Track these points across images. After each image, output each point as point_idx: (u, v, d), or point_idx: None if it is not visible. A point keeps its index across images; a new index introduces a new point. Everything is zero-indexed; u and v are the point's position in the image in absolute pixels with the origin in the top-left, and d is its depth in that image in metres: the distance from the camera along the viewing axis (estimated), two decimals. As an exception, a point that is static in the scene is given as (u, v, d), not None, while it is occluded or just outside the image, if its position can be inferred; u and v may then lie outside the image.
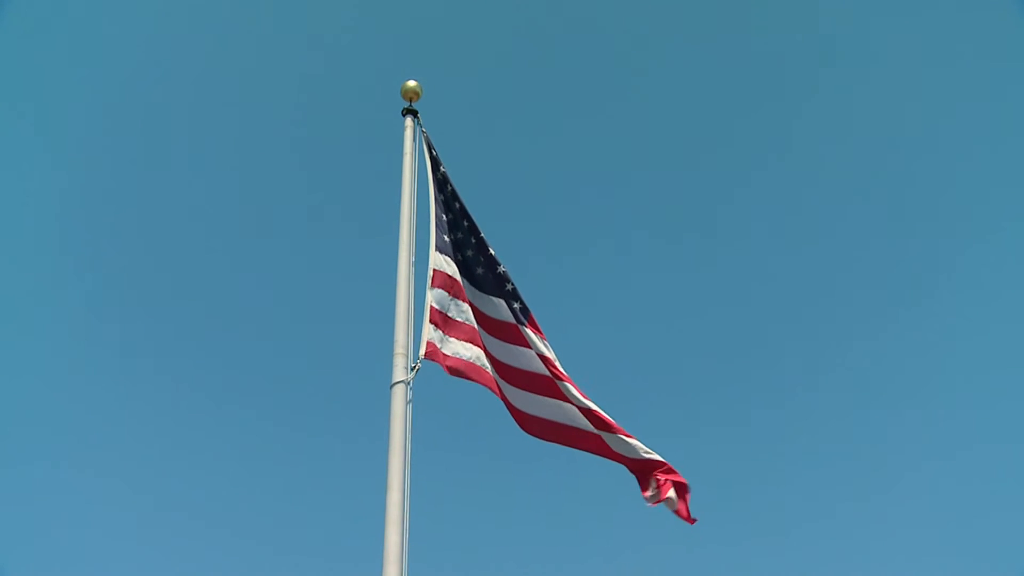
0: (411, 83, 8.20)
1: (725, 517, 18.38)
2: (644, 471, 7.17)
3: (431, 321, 6.77)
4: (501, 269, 7.57)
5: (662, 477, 7.01)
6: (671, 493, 6.99)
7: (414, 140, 7.91)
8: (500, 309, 7.45)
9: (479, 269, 7.55)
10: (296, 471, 19.45)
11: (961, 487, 17.81)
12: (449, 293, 7.10)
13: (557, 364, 7.31)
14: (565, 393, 7.23)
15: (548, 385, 7.27)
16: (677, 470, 7.09)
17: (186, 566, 16.61)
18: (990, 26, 19.65)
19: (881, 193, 22.09)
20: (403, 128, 8.00)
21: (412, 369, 6.47)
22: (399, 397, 6.33)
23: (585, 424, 7.24)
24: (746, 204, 23.24)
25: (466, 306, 7.21)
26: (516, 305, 7.46)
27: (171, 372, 20.10)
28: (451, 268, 7.24)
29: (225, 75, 22.29)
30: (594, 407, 7.19)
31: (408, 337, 6.64)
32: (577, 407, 7.24)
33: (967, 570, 16.41)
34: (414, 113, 8.11)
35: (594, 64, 23.89)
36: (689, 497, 7.07)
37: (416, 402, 6.41)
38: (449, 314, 7.02)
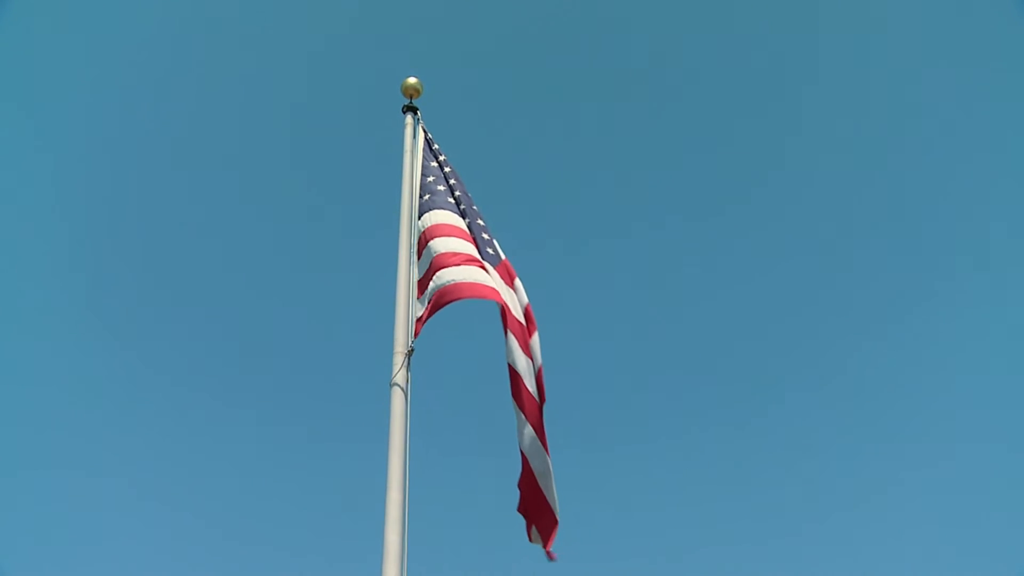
0: (411, 80, 8.17)
1: (725, 518, 18.40)
2: (524, 492, 6.74)
3: (419, 296, 6.65)
4: (481, 221, 7.39)
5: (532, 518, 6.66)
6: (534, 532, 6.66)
7: (414, 137, 7.91)
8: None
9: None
10: (296, 471, 19.44)
11: (961, 487, 17.81)
12: (430, 238, 6.90)
13: (517, 314, 6.91)
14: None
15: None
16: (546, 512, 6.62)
17: (185, 566, 16.59)
18: (990, 26, 19.68)
19: (881, 194, 22.11)
20: (403, 125, 8.00)
21: (407, 354, 6.41)
22: (399, 396, 6.31)
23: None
24: (747, 204, 23.25)
25: (457, 240, 6.96)
26: (490, 251, 7.20)
27: (170, 372, 20.08)
28: (440, 216, 7.08)
29: (224, 73, 22.30)
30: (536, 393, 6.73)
31: (407, 336, 6.61)
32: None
33: (967, 570, 16.41)
34: (414, 110, 8.10)
35: (594, 60, 23.92)
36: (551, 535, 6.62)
37: (417, 402, 6.40)
38: (433, 257, 6.79)
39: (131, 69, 20.92)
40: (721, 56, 23.26)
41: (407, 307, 6.77)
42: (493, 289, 6.65)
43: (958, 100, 21.09)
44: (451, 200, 7.38)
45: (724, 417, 21.05)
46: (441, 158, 7.72)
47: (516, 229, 21.34)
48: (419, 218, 7.13)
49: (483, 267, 6.86)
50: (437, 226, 7.05)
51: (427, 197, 7.33)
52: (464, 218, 7.30)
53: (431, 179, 7.51)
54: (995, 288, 20.00)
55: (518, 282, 7.13)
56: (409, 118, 8.05)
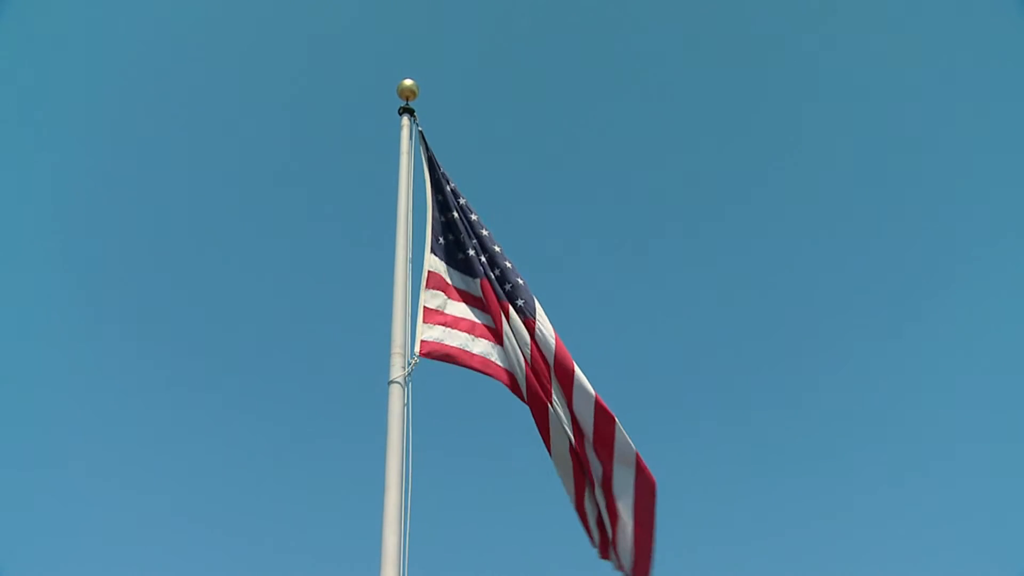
0: (407, 82, 8.15)
1: (724, 518, 18.40)
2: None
3: (426, 321, 6.79)
4: (498, 271, 7.37)
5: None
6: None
7: (411, 139, 7.89)
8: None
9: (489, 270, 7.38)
10: (294, 472, 19.44)
11: (961, 487, 17.83)
12: (445, 295, 7.10)
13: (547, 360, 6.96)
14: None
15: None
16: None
17: (183, 567, 16.62)
18: (990, 26, 19.67)
19: (883, 194, 22.11)
20: (399, 127, 7.97)
21: (409, 366, 6.47)
22: (396, 396, 6.31)
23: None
24: (748, 205, 23.26)
25: (463, 306, 7.17)
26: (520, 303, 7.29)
27: (168, 372, 20.11)
28: (444, 271, 7.25)
29: (220, 74, 22.30)
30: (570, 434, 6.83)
31: (405, 336, 6.63)
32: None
33: (967, 570, 16.41)
34: (411, 112, 8.07)
35: (592, 62, 23.92)
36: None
37: (415, 402, 6.40)
38: (446, 311, 7.02)
39: (128, 71, 20.96)
40: (721, 57, 23.29)
41: (404, 308, 6.78)
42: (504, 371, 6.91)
43: (958, 100, 21.13)
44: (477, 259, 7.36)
45: (722, 417, 21.09)
46: (449, 188, 7.66)
47: (514, 231, 21.33)
48: (432, 252, 7.20)
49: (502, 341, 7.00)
50: (455, 292, 7.22)
51: (447, 240, 7.41)
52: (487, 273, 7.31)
53: (446, 218, 7.51)
54: (995, 288, 20.03)
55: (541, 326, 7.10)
56: (405, 120, 8.02)
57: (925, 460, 18.91)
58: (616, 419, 6.71)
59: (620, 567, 6.74)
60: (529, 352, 6.96)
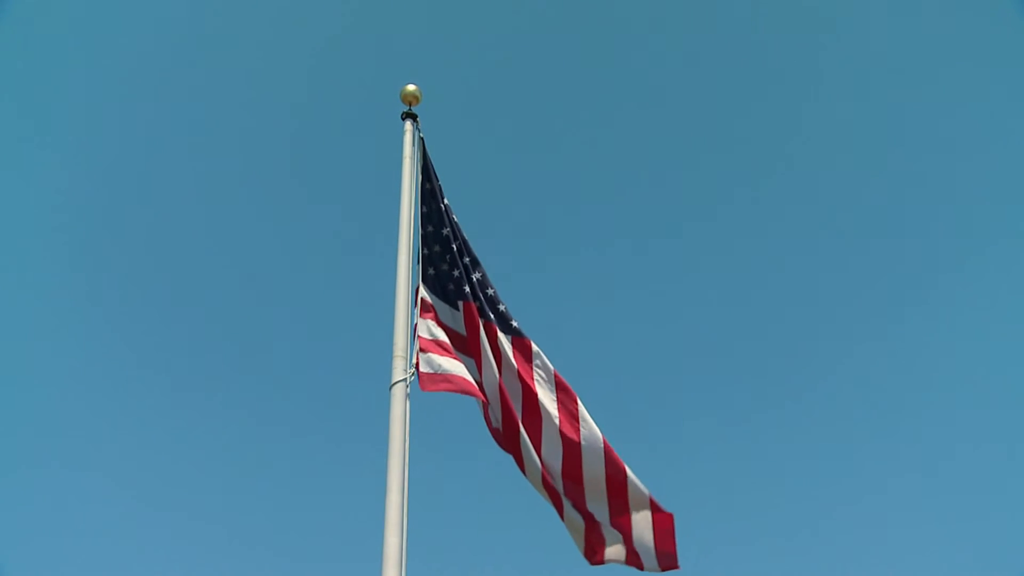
0: (410, 87, 8.18)
1: (722, 518, 18.44)
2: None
3: (419, 337, 6.80)
4: (491, 291, 7.45)
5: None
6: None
7: (413, 144, 7.91)
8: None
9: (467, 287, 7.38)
10: (295, 474, 19.48)
11: (961, 487, 17.86)
12: (432, 320, 7.06)
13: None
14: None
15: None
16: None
17: (184, 568, 16.65)
18: (990, 26, 19.69)
19: (881, 194, 22.14)
20: (402, 132, 7.99)
21: (411, 369, 6.50)
22: (398, 398, 6.36)
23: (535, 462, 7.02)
24: (746, 205, 23.29)
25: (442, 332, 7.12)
26: (513, 323, 7.36)
27: (169, 374, 20.12)
28: (430, 298, 7.22)
29: (223, 77, 22.31)
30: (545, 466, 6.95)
31: (407, 340, 6.68)
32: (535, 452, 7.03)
33: (967, 570, 16.44)
34: (413, 117, 8.10)
35: (594, 68, 23.93)
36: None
37: (415, 405, 6.45)
38: (434, 337, 6.96)
39: (130, 73, 20.97)
40: (720, 58, 23.32)
41: (406, 311, 6.84)
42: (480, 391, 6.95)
43: (958, 100, 21.14)
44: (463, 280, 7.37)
45: (722, 417, 21.11)
46: (444, 203, 7.71)
47: (514, 235, 21.41)
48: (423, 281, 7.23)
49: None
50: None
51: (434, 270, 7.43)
52: (473, 299, 7.31)
53: (430, 231, 7.55)
54: (994, 288, 20.06)
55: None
56: (408, 125, 8.04)
57: (924, 460, 18.96)
58: (627, 469, 6.99)
59: (635, 563, 7.03)
60: (513, 376, 7.05)
